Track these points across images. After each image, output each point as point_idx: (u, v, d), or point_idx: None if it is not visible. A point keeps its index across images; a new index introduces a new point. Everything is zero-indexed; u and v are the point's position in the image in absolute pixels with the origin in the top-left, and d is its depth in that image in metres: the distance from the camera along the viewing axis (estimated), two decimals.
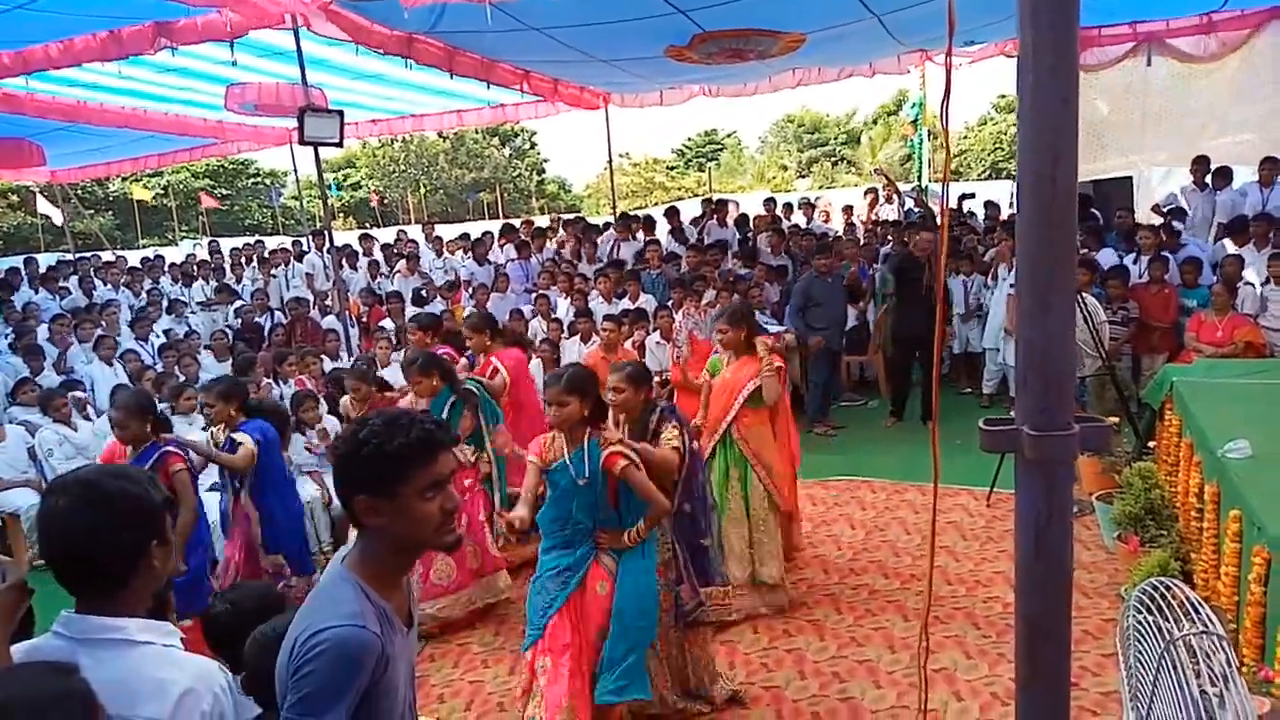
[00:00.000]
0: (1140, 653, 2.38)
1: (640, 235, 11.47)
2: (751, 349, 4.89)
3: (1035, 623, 1.34)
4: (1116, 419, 5.98)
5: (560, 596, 3.48)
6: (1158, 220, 9.44)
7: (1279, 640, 2.92)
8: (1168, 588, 2.35)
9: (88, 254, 15.32)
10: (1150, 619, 2.31)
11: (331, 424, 6.55)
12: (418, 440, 1.74)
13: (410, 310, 9.79)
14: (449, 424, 5.07)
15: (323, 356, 7.93)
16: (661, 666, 3.80)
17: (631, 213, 13.49)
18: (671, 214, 12.33)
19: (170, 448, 4.25)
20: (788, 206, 13.53)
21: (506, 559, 5.34)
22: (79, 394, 7.49)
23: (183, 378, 7.47)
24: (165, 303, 10.56)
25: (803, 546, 5.45)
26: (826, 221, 13.62)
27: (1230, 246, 8.26)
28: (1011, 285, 7.27)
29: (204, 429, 6.29)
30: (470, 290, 10.44)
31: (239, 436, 4.65)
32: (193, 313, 10.72)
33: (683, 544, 3.90)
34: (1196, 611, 2.16)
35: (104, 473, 1.73)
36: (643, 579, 3.53)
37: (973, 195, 13.64)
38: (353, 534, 1.99)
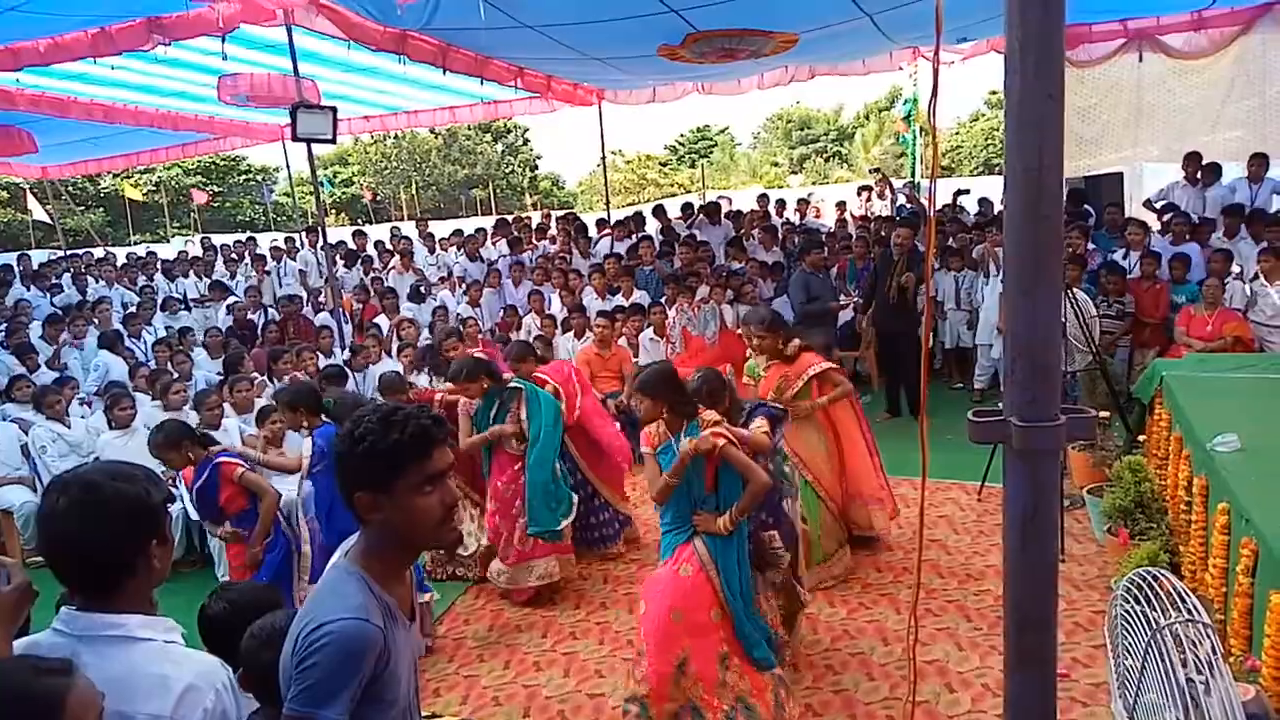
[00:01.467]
0: (1128, 642, 2.41)
1: (632, 233, 11.50)
2: (787, 355, 5.04)
3: (1023, 609, 1.37)
4: (1107, 413, 6.02)
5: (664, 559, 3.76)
6: (1148, 215, 9.49)
7: (1266, 630, 2.96)
8: (1155, 578, 2.38)
9: (79, 251, 15.26)
10: (1138, 609, 2.35)
11: None
12: (412, 435, 1.75)
13: (406, 306, 9.80)
14: (444, 419, 5.10)
15: (317, 353, 7.92)
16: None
17: (619, 214, 13.49)
18: (659, 212, 12.36)
19: (221, 458, 4.39)
20: (780, 203, 13.57)
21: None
22: (81, 395, 7.49)
23: (177, 375, 7.46)
24: (160, 299, 10.55)
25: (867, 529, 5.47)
26: (818, 218, 13.67)
27: (1216, 241, 8.31)
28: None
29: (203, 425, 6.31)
30: (464, 286, 10.45)
31: (306, 443, 4.66)
32: (186, 309, 10.70)
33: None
34: (1182, 600, 2.19)
35: (104, 473, 1.73)
36: (736, 559, 3.68)
37: (967, 191, 13.64)
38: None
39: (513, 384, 5.33)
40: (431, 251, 12.35)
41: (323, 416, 4.77)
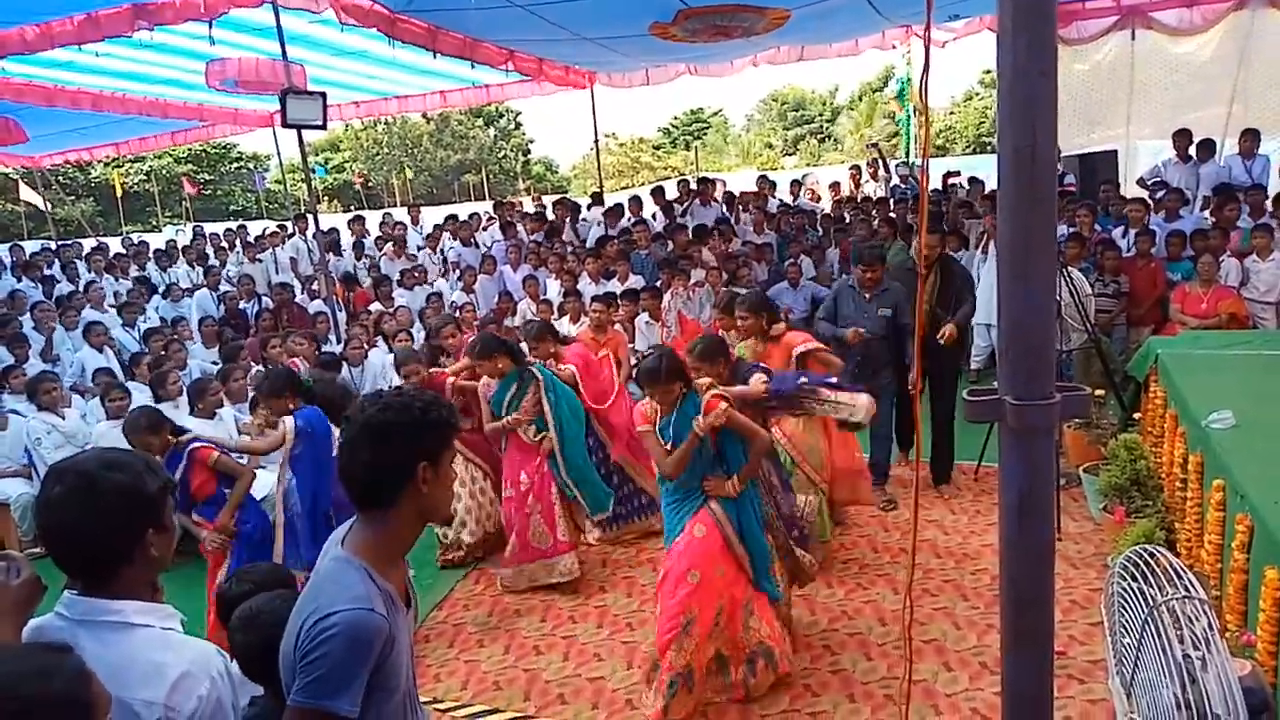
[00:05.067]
0: (1125, 619, 2.42)
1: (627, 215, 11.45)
2: (773, 335, 5.02)
3: (1019, 587, 1.37)
4: (1102, 392, 6.03)
5: (672, 537, 3.86)
6: (1141, 193, 9.47)
7: (1261, 605, 2.97)
8: (1151, 555, 2.38)
9: (69, 241, 15.15)
10: (1134, 585, 2.35)
11: None
12: (453, 412, 1.87)
13: (399, 294, 9.76)
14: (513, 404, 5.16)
15: (314, 339, 7.90)
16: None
17: (611, 197, 13.47)
18: (657, 194, 12.31)
19: (196, 444, 4.35)
20: (772, 185, 13.51)
21: (572, 543, 5.27)
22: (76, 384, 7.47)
23: (171, 363, 7.43)
24: (162, 287, 10.53)
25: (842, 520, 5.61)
26: (812, 199, 13.60)
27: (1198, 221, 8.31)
28: None
29: (191, 414, 6.30)
30: (459, 272, 10.40)
31: (287, 421, 4.61)
32: (185, 294, 10.63)
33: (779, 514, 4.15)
34: (1179, 577, 2.19)
35: (100, 462, 1.72)
36: (752, 512, 3.86)
37: (958, 173, 13.65)
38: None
39: (532, 369, 5.25)
40: (437, 242, 12.11)
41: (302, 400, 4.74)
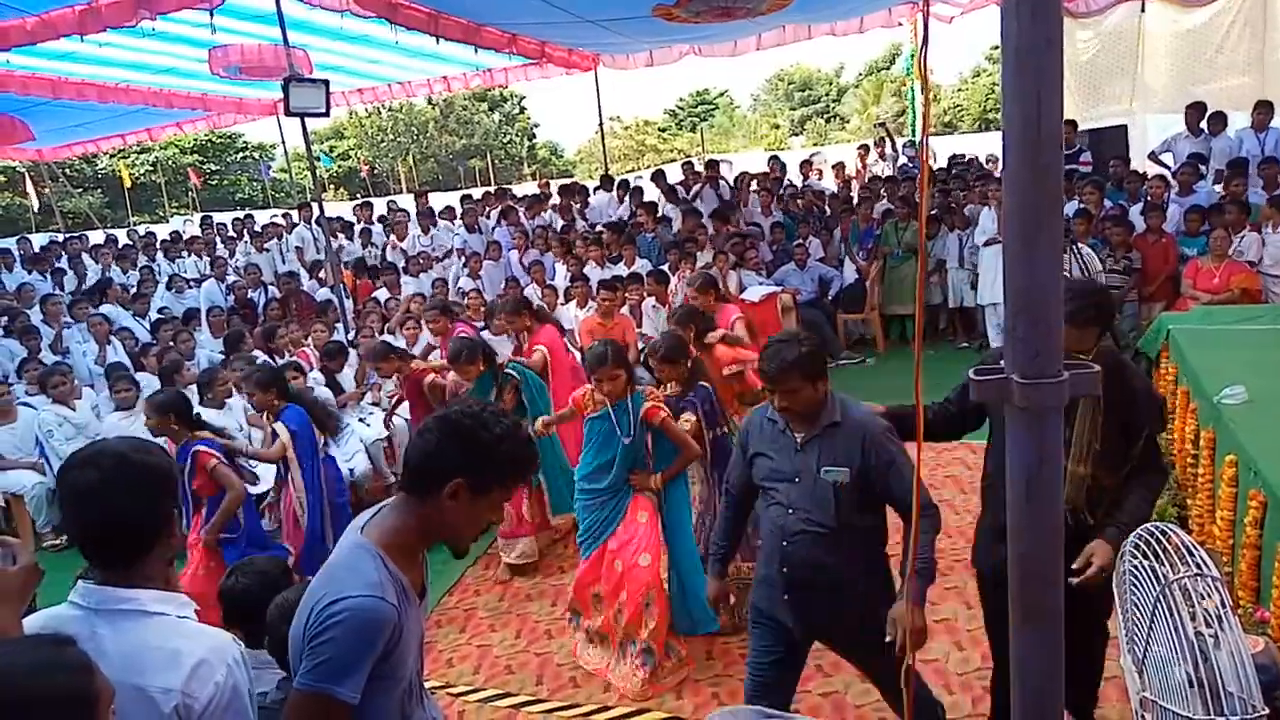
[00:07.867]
0: (1136, 597, 2.40)
1: (627, 199, 11.41)
2: (706, 344, 4.90)
3: (1028, 566, 1.36)
4: None
5: (597, 541, 3.95)
6: (1152, 168, 9.37)
7: (1275, 582, 2.95)
8: (1163, 532, 2.37)
9: (75, 234, 15.18)
10: (1146, 563, 2.34)
11: (325, 395, 6.52)
12: (530, 459, 1.88)
13: (407, 282, 9.74)
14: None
15: (326, 328, 7.93)
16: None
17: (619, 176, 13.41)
18: (658, 177, 12.25)
19: (200, 446, 4.29)
20: (783, 166, 13.44)
21: (535, 526, 5.38)
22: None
23: (180, 353, 7.45)
24: (166, 279, 10.55)
25: None
26: (819, 179, 13.53)
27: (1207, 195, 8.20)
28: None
29: (201, 403, 6.31)
30: (464, 258, 10.39)
31: (279, 427, 4.68)
32: (190, 287, 10.66)
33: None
34: (1191, 554, 2.18)
35: (132, 447, 1.76)
36: (684, 512, 4.02)
37: (963, 155, 13.58)
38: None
39: (508, 369, 5.32)
40: (448, 225, 12.01)
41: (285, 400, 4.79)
